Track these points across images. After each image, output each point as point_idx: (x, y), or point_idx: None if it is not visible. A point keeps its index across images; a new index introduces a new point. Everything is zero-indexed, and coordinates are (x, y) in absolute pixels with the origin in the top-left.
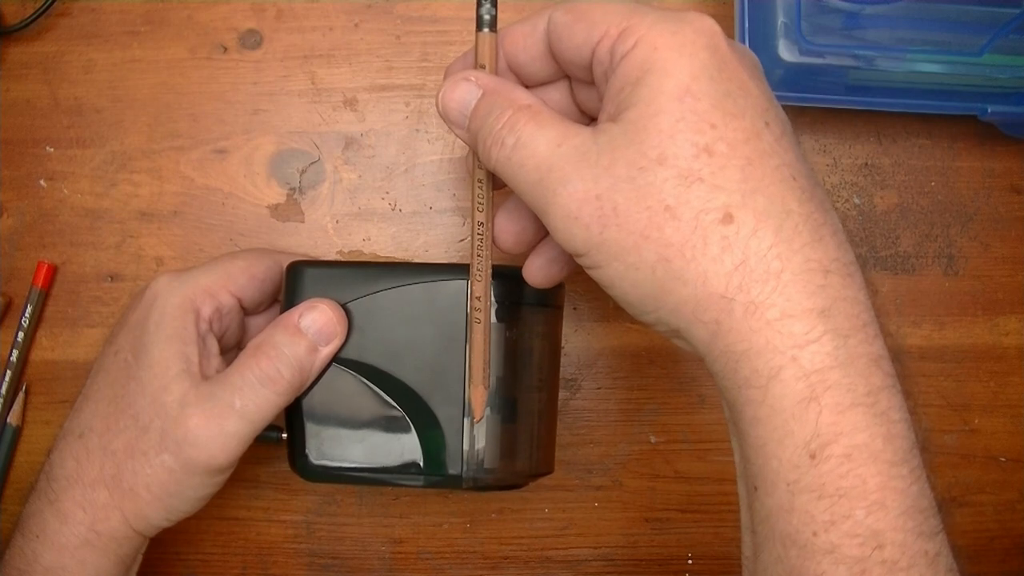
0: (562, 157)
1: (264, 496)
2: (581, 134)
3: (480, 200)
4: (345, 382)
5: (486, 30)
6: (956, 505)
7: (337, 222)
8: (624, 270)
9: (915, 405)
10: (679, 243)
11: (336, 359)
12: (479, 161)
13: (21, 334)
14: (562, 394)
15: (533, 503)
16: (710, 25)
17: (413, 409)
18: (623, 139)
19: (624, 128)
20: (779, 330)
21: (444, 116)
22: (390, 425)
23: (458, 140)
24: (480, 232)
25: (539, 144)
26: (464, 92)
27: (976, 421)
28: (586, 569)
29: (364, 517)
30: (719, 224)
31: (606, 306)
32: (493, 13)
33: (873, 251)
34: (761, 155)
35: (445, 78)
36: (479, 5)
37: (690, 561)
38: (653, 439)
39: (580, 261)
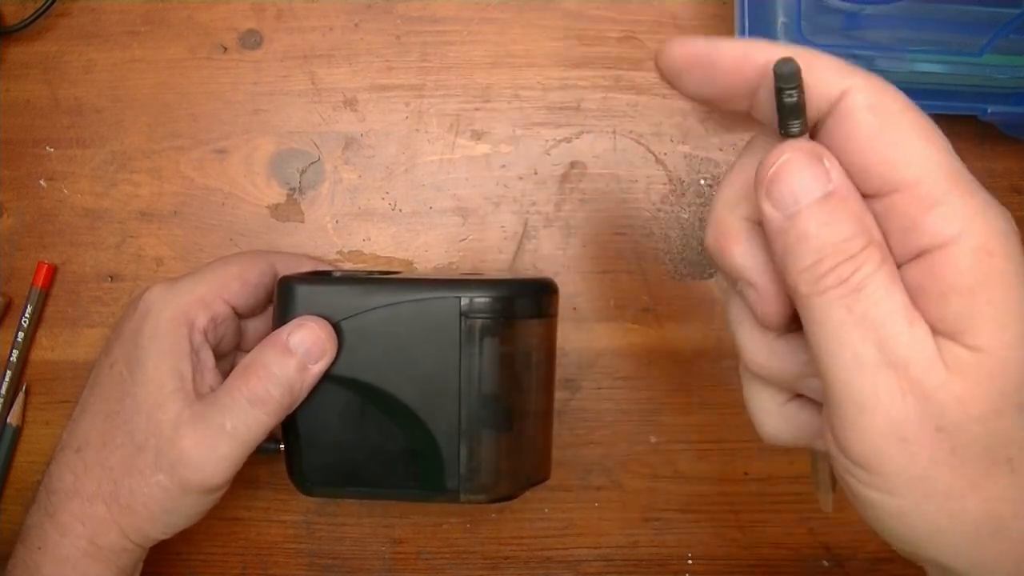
0: (906, 351)
1: (264, 496)
2: (921, 326)
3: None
4: (340, 400)
5: (802, 139)
6: None
7: (337, 222)
8: (932, 512)
9: None
10: (1012, 499)
11: (331, 377)
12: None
13: (21, 334)
14: (562, 394)
15: (533, 503)
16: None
17: (408, 425)
18: (976, 372)
19: (979, 360)
20: None
21: (769, 189)
22: (386, 442)
23: (458, 140)
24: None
25: (887, 317)
26: (810, 177)
27: None
28: (586, 569)
29: (364, 517)
30: None
31: (606, 306)
32: (801, 120)
33: None
34: None
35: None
36: (782, 114)
37: (690, 561)
38: (653, 439)
39: (856, 474)
